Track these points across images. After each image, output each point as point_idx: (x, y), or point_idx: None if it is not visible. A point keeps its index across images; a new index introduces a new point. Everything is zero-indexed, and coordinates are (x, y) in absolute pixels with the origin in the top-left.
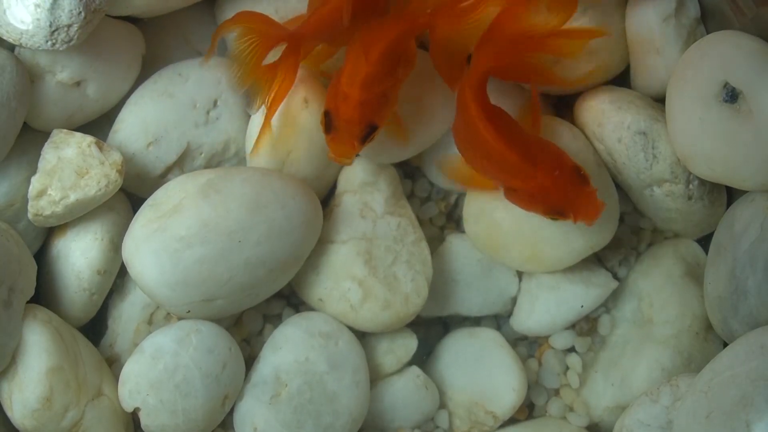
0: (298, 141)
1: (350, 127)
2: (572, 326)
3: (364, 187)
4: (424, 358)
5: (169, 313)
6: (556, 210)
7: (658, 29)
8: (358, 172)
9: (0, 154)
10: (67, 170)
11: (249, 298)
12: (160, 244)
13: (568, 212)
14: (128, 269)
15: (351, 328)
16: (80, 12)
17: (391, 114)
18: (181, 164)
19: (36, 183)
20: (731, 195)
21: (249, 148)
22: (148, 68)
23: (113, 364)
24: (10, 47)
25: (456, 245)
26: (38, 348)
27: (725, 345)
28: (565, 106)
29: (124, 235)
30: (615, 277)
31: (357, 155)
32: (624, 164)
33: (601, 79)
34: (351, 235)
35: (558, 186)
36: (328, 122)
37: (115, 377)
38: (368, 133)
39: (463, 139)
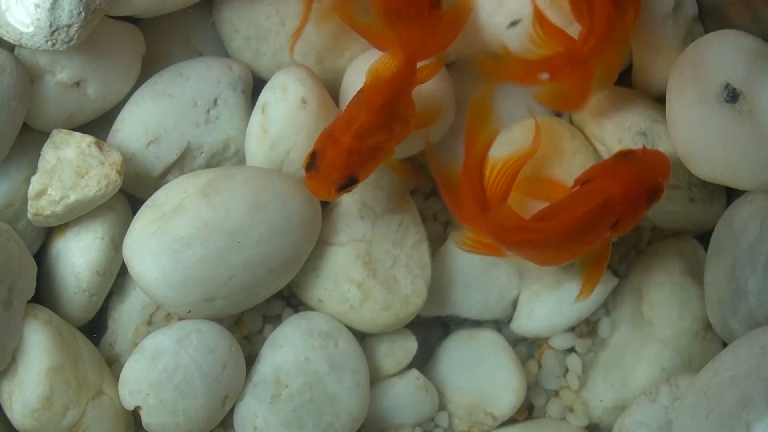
0: (298, 141)
1: (331, 173)
2: (572, 328)
3: (364, 185)
4: (424, 359)
5: (169, 314)
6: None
7: (657, 28)
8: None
9: (0, 154)
10: (67, 170)
11: (249, 299)
12: (161, 245)
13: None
14: (129, 269)
15: (351, 329)
16: (80, 12)
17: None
18: (181, 164)
19: (36, 183)
20: (730, 194)
21: (249, 147)
22: (148, 68)
23: (113, 364)
24: (10, 47)
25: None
26: (38, 348)
27: (725, 345)
28: None
29: (124, 235)
30: (615, 273)
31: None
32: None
33: None
34: (350, 236)
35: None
36: (312, 162)
37: (116, 377)
38: (347, 183)
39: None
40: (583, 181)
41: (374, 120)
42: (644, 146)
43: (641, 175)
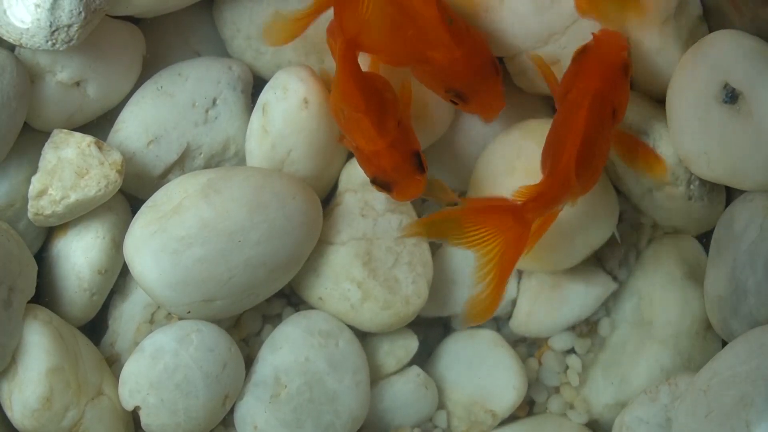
0: (299, 141)
1: (402, 170)
2: (572, 328)
3: (365, 185)
4: (424, 358)
5: (170, 313)
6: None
7: (657, 29)
8: (360, 170)
9: (0, 154)
10: (68, 170)
11: (249, 299)
12: (161, 245)
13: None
14: (130, 269)
15: (351, 328)
16: (80, 12)
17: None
18: (181, 164)
19: (36, 183)
20: (730, 194)
21: (249, 147)
22: (148, 68)
23: (114, 364)
24: (10, 47)
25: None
26: (38, 348)
27: (725, 345)
28: None
29: (124, 235)
30: (615, 277)
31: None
32: (624, 165)
33: None
34: (351, 235)
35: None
36: (384, 184)
37: (116, 377)
38: (418, 160)
39: None
40: (562, 97)
41: (372, 110)
42: (593, 34)
43: (606, 59)
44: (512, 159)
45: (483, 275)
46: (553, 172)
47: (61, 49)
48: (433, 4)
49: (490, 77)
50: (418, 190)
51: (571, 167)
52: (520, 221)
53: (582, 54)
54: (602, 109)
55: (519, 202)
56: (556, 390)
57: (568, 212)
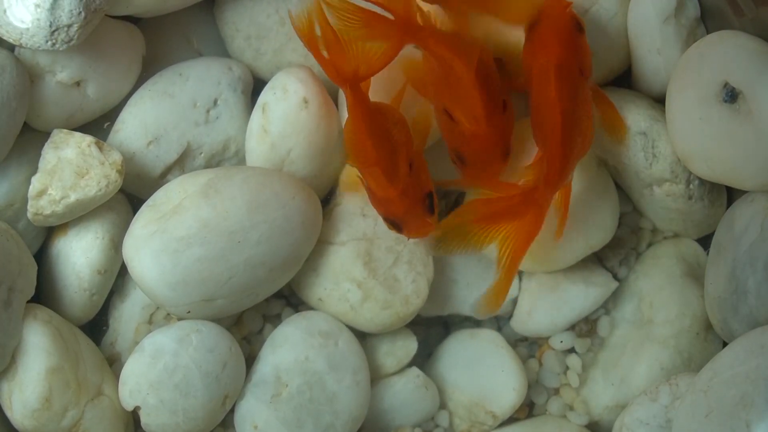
0: (299, 141)
1: (415, 212)
2: (572, 327)
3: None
4: (424, 359)
5: (168, 314)
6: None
7: (658, 29)
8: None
9: (0, 154)
10: (67, 170)
11: (249, 298)
12: (160, 245)
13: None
14: (129, 269)
15: (351, 328)
16: (80, 12)
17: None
18: (181, 164)
19: (36, 183)
20: (731, 195)
21: (249, 148)
22: (148, 68)
23: (114, 363)
24: (10, 47)
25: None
26: (38, 348)
27: (725, 345)
28: None
29: (124, 235)
30: (615, 277)
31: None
32: (624, 164)
33: (602, 80)
34: (351, 235)
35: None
36: (396, 226)
37: (116, 376)
38: (430, 202)
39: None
40: (529, 74)
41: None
42: (538, 10)
43: (556, 24)
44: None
45: (503, 263)
46: (548, 151)
47: (61, 49)
48: (472, 70)
49: (500, 159)
50: (428, 230)
51: (562, 141)
52: (535, 208)
53: (533, 28)
54: (569, 74)
55: (528, 190)
56: (556, 391)
57: (570, 212)
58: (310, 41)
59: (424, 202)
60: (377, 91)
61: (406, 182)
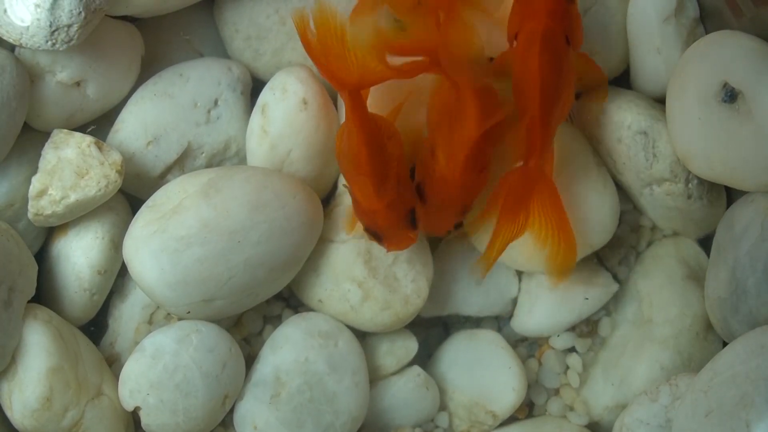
0: (299, 141)
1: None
2: (572, 327)
3: None
4: (424, 359)
5: (168, 314)
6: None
7: (658, 29)
8: None
9: (0, 154)
10: (67, 170)
11: (249, 299)
12: (160, 245)
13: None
14: (129, 269)
15: (351, 328)
16: (80, 12)
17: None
18: (181, 164)
19: (36, 183)
20: (731, 195)
21: (250, 148)
22: (148, 68)
23: (114, 364)
24: (10, 47)
25: (457, 244)
26: (38, 348)
27: (725, 345)
28: None
29: (124, 235)
30: (615, 276)
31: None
32: (624, 164)
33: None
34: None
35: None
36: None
37: (116, 376)
38: (412, 217)
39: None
40: (512, 39)
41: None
42: None
43: None
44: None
45: (546, 238)
46: (528, 125)
47: (61, 49)
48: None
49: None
50: (408, 243)
51: (541, 114)
52: (541, 180)
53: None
54: (555, 44)
55: (522, 168)
56: (556, 392)
57: (569, 213)
58: (310, 45)
59: (407, 217)
60: (375, 102)
61: (392, 196)
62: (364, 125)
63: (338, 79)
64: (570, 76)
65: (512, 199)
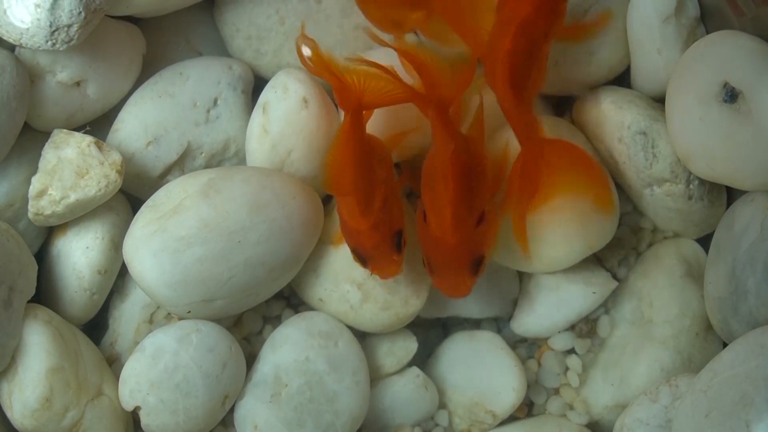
0: (299, 141)
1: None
2: (572, 327)
3: None
4: (424, 359)
5: (169, 314)
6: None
7: (658, 29)
8: None
9: (0, 154)
10: (67, 170)
11: (249, 299)
12: (160, 245)
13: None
14: (129, 269)
15: (351, 329)
16: (80, 12)
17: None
18: (181, 164)
19: (36, 183)
20: (731, 195)
21: (250, 148)
22: (148, 68)
23: (114, 363)
24: (10, 47)
25: None
26: (38, 348)
27: (725, 345)
28: (565, 106)
29: (124, 235)
30: (615, 277)
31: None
32: (624, 164)
33: (602, 80)
34: None
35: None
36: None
37: (116, 376)
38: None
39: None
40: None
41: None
42: None
43: None
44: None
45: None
46: (503, 108)
47: (61, 49)
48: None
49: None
50: (394, 269)
51: (511, 97)
52: (545, 147)
53: None
54: (531, 35)
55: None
56: (556, 391)
57: (569, 213)
58: (318, 63)
59: (392, 240)
60: (380, 123)
61: (377, 217)
62: (356, 145)
63: (343, 94)
64: (543, 56)
65: (526, 181)
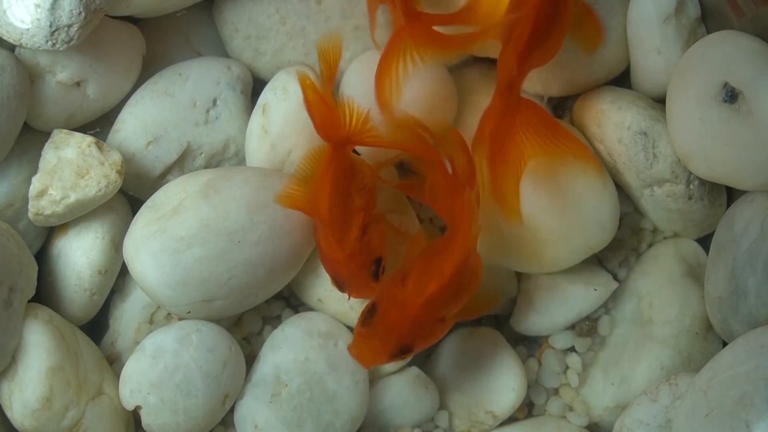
0: (299, 141)
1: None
2: (572, 326)
3: None
4: (424, 358)
5: (169, 314)
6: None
7: (658, 29)
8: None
9: (0, 154)
10: (68, 170)
11: (249, 299)
12: (160, 245)
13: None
14: (129, 269)
15: (351, 329)
16: (80, 12)
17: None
18: (181, 164)
19: (37, 183)
20: (731, 195)
21: (249, 148)
22: (148, 68)
23: (114, 363)
24: (10, 47)
25: None
26: (39, 348)
27: (725, 345)
28: (564, 106)
29: (124, 235)
30: (615, 278)
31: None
32: (624, 164)
33: (602, 80)
34: None
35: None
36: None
37: (116, 376)
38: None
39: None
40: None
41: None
42: None
43: None
44: None
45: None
46: (506, 56)
47: (61, 49)
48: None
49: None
50: (369, 294)
51: (524, 51)
52: (522, 106)
53: None
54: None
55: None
56: (556, 392)
57: (570, 212)
58: (312, 96)
59: (369, 268)
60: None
61: (354, 247)
62: (336, 177)
63: (328, 130)
64: (563, 26)
65: (498, 141)
